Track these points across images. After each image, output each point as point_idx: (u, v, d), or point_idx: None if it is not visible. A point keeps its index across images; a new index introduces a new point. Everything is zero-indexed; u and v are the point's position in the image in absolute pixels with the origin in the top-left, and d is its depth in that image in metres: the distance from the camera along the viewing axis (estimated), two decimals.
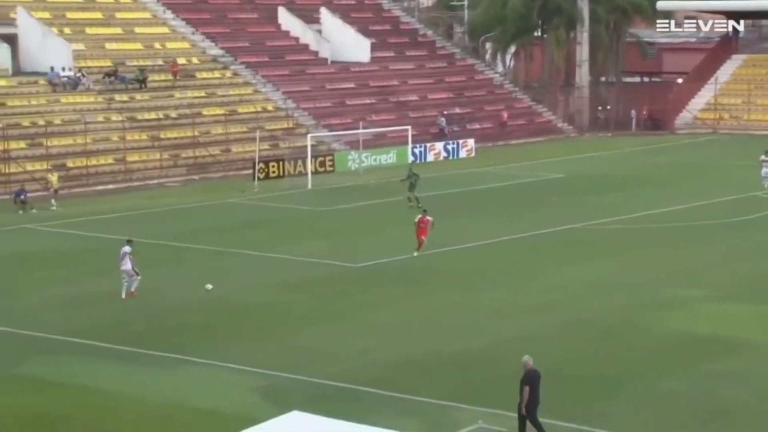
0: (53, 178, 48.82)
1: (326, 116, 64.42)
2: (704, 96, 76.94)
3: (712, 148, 67.20)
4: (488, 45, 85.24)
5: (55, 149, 53.63)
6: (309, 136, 56.36)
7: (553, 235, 40.04)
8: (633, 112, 77.38)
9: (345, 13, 73.90)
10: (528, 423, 19.88)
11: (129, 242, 31.13)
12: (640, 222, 42.20)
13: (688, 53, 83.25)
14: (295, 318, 28.83)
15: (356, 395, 22.89)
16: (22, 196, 46.67)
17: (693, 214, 43.84)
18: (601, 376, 24.12)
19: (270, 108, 63.18)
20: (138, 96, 59.49)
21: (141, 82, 60.00)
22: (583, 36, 77.37)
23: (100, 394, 23.03)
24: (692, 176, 54.69)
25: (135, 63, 61.74)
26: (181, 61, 63.45)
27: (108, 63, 61.12)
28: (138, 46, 63.87)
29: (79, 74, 58.60)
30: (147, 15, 66.63)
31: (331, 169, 56.68)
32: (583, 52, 77.70)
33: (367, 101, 67.51)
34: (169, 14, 67.05)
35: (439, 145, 62.80)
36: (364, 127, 59.53)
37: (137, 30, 65.01)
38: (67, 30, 61.75)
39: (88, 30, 63.21)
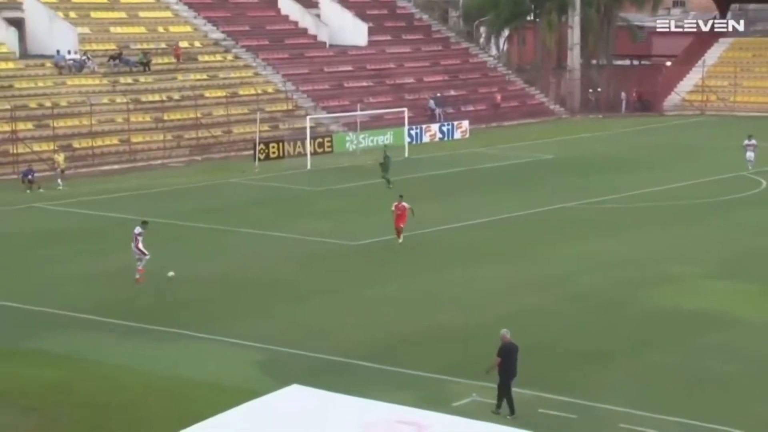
0: (60, 158, 48.54)
1: (325, 98, 64.11)
2: (692, 78, 76.61)
3: (699, 129, 66.94)
4: (482, 29, 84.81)
5: (61, 130, 53.32)
6: (308, 117, 56.05)
7: (547, 213, 39.82)
8: (623, 94, 77.06)
9: None
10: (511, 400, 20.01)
11: (143, 223, 30.47)
12: (632, 201, 41.99)
13: (677, 37, 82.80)
14: (295, 294, 28.63)
15: (355, 369, 22.73)
16: (30, 176, 46.41)
17: (682, 193, 43.63)
18: (594, 350, 23.97)
19: (270, 90, 62.84)
20: (142, 78, 59.14)
21: (145, 65, 59.65)
22: (575, 20, 76.98)
23: (105, 367, 22.91)
24: (681, 156, 54.45)
25: (139, 46, 61.35)
26: (183, 44, 63.06)
27: (112, 46, 60.74)
28: (142, 29, 63.47)
29: (84, 57, 58.22)
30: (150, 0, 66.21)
31: (329, 149, 56.40)
32: (574, 35, 77.31)
33: (365, 84, 67.19)
34: None
35: (435, 127, 62.50)
36: (361, 109, 59.24)
37: (141, 14, 64.59)
38: (72, 14, 61.34)
39: (93, 14, 62.78)
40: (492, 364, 20.01)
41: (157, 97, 58.04)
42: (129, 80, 58.69)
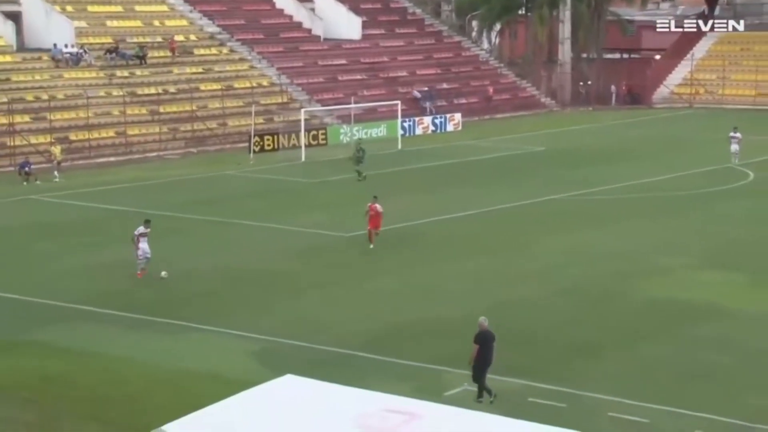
0: (56, 150, 48.44)
1: (319, 91, 64.04)
2: (681, 72, 76.68)
3: (688, 121, 66.99)
4: (474, 23, 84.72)
5: (58, 123, 53.19)
6: (302, 110, 56.01)
7: (538, 205, 39.85)
8: (613, 87, 77.11)
9: None
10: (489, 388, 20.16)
11: (146, 222, 29.59)
12: (621, 192, 42.02)
13: (666, 30, 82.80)
14: (293, 286, 28.62)
15: (349, 360, 22.75)
16: (27, 168, 46.32)
17: (671, 185, 43.68)
18: (584, 340, 24.01)
19: (265, 83, 62.75)
20: (138, 72, 59.01)
21: (141, 59, 59.52)
22: (566, 14, 76.96)
23: (106, 359, 22.91)
24: (670, 149, 54.50)
25: (135, 40, 61.22)
26: (179, 38, 62.92)
27: (109, 40, 60.58)
28: (138, 23, 63.33)
29: (81, 51, 58.07)
30: None
31: (323, 142, 56.35)
32: (565, 29, 77.29)
33: (359, 77, 67.13)
34: None
35: (427, 119, 62.48)
36: (355, 102, 59.18)
37: (137, 8, 64.44)
38: (69, 8, 61.17)
39: (90, 8, 62.62)
40: (472, 353, 20.09)
41: (153, 90, 57.92)
42: (125, 73, 58.57)
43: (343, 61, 68.13)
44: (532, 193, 41.71)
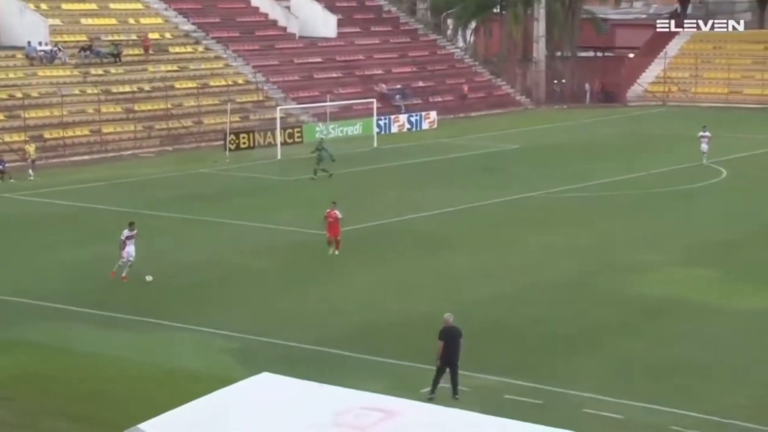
0: (30, 148, 48.06)
1: (294, 89, 63.88)
2: (654, 70, 77.03)
3: (661, 119, 67.30)
4: (450, 21, 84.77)
5: (32, 121, 52.78)
6: (278, 108, 55.83)
7: (514, 202, 39.89)
8: (587, 86, 77.34)
9: None
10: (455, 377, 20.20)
11: (130, 225, 29.02)
12: (596, 190, 42.13)
13: (639, 29, 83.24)
14: (267, 284, 28.50)
15: (326, 357, 22.67)
16: (1, 167, 46.01)
17: (646, 182, 43.84)
18: (561, 337, 24.02)
19: (240, 81, 62.52)
20: (113, 70, 58.64)
21: (115, 57, 59.15)
22: (540, 12, 77.10)
23: (82, 356, 22.78)
24: (644, 146, 54.71)
25: (110, 38, 60.83)
26: (154, 36, 62.58)
27: (83, 38, 60.18)
28: (112, 21, 62.96)
29: (55, 48, 57.65)
30: None
31: (299, 140, 56.18)
32: (539, 27, 77.44)
33: (334, 75, 67.01)
34: None
35: (403, 117, 62.45)
36: (331, 100, 59.07)
37: (112, 6, 64.03)
38: (43, 5, 60.68)
39: (64, 6, 62.16)
40: (438, 350, 20.06)
41: (127, 88, 57.59)
42: (100, 71, 58.19)
43: (319, 59, 68.00)
44: (508, 191, 41.73)
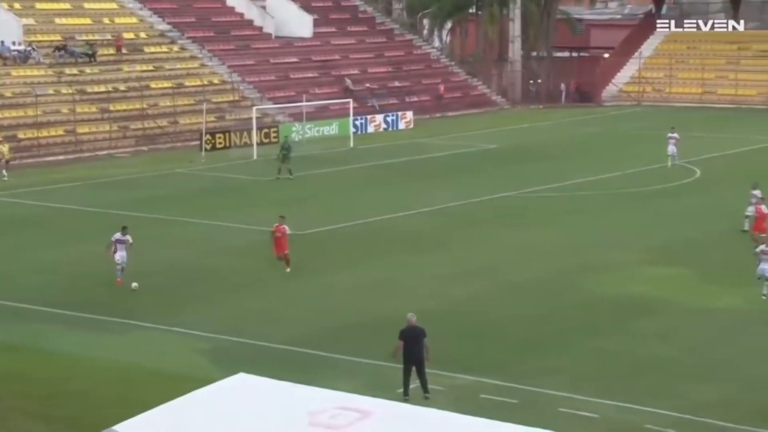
0: (4, 149, 47.70)
1: (270, 89, 63.80)
2: (629, 70, 77.40)
3: (636, 119, 67.63)
4: (425, 21, 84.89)
5: (6, 121, 52.47)
6: (254, 108, 55.76)
7: (490, 202, 40.03)
8: (562, 85, 77.61)
9: None
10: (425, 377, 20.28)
11: (123, 229, 28.39)
12: (571, 190, 42.33)
13: (614, 29, 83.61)
14: (243, 284, 28.48)
15: (302, 357, 22.70)
16: None
17: (620, 182, 44.08)
18: (535, 336, 24.16)
19: (216, 81, 62.39)
20: (87, 69, 58.39)
21: (90, 56, 58.88)
22: (516, 12, 77.35)
23: (55, 357, 22.72)
24: (619, 146, 55.01)
25: (84, 37, 60.54)
26: (128, 35, 62.34)
27: (58, 37, 59.88)
28: (87, 20, 62.67)
29: (29, 48, 57.33)
30: None
31: (275, 140, 56.00)
32: (515, 28, 77.67)
33: (310, 75, 66.97)
34: None
35: (379, 117, 62.51)
36: (307, 100, 59.04)
37: (86, 5, 63.73)
38: (17, 5, 60.33)
39: (38, 5, 61.81)
40: (396, 349, 20.15)
41: (102, 88, 57.36)
42: (74, 71, 57.92)
43: (295, 59, 67.94)
44: (484, 191, 41.86)
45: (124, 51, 60.99)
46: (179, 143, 55.91)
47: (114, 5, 64.99)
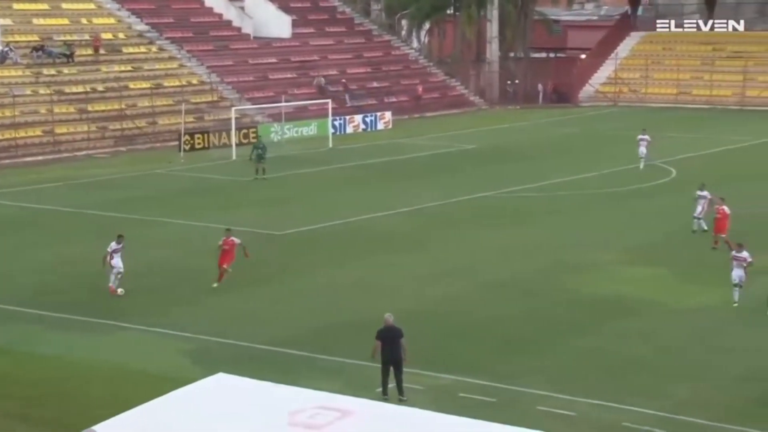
0: None
1: (249, 90, 63.68)
2: (605, 71, 77.72)
3: (613, 119, 67.92)
4: (404, 22, 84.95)
5: None
6: (233, 108, 55.64)
7: (468, 202, 40.10)
8: (540, 86, 77.84)
9: None
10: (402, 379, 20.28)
11: (119, 238, 27.95)
12: (549, 190, 42.47)
13: (591, 30, 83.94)
14: (223, 284, 28.38)
15: (281, 357, 22.70)
16: None
17: (597, 182, 44.26)
18: (514, 335, 24.23)
19: (195, 82, 62.21)
20: (65, 70, 58.09)
21: (68, 57, 58.59)
22: (493, 14, 77.52)
23: (38, 358, 22.65)
24: (595, 146, 55.23)
25: (62, 38, 60.23)
26: (107, 36, 62.08)
27: (35, 38, 59.55)
28: (65, 21, 62.36)
29: (6, 49, 56.97)
30: None
31: (254, 140, 55.86)
32: (493, 28, 77.86)
33: (289, 75, 66.90)
34: None
35: (358, 118, 62.51)
36: (286, 101, 58.96)
37: (64, 6, 63.41)
38: None
39: (16, 5, 61.46)
40: (373, 349, 20.21)
41: (81, 89, 57.09)
42: (52, 72, 57.62)
43: (273, 60, 67.84)
44: (464, 190, 41.93)
45: (102, 51, 60.76)
46: (158, 144, 55.72)
47: (92, 6, 64.69)
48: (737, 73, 73.36)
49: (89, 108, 56.01)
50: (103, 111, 56.59)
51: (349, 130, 61.07)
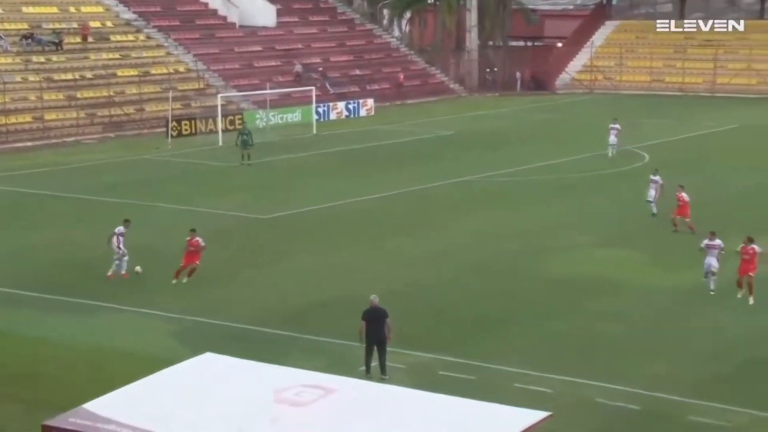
0: None
1: (235, 77, 63.46)
2: (581, 59, 77.83)
3: (588, 106, 68.03)
4: (385, 11, 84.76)
5: None
6: (219, 96, 55.45)
7: (447, 187, 40.14)
8: (518, 74, 77.89)
9: None
10: (382, 358, 20.32)
11: (125, 222, 27.89)
12: (526, 174, 42.56)
13: (567, 19, 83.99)
14: (209, 266, 28.29)
15: (267, 337, 22.71)
16: None
17: (573, 167, 44.37)
18: (493, 316, 24.33)
19: (182, 69, 61.94)
20: (54, 57, 57.72)
21: (57, 45, 58.22)
22: (472, 3, 77.39)
23: (24, 339, 22.53)
24: (572, 132, 55.32)
25: (51, 26, 59.83)
26: (95, 24, 61.69)
27: (25, 26, 59.11)
28: (54, 9, 61.93)
29: None
30: None
31: (240, 126, 55.73)
32: (472, 18, 77.78)
33: (274, 63, 66.69)
34: None
35: (341, 105, 62.41)
36: (270, 88, 58.78)
37: None
38: None
39: None
40: (359, 328, 20.25)
41: (69, 76, 56.75)
42: (42, 59, 57.26)
43: (259, 48, 67.61)
44: (443, 175, 41.97)
45: (90, 40, 60.41)
46: (146, 130, 55.50)
47: None
48: (708, 61, 73.59)
49: (78, 95, 55.72)
50: (91, 98, 56.30)
51: (333, 116, 60.98)
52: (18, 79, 55.04)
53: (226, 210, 35.52)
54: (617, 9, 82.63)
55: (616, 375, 20.44)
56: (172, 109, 53.89)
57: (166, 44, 63.50)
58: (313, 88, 58.43)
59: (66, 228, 30.84)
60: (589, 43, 77.75)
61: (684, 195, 32.14)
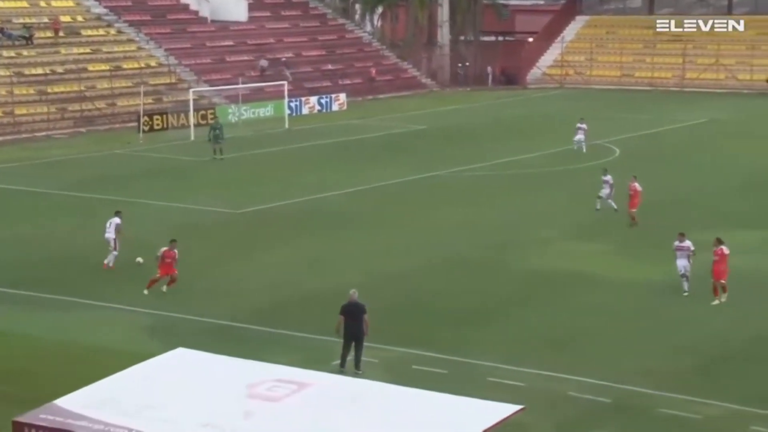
0: None
1: (207, 72, 63.11)
2: (552, 54, 78.01)
3: (559, 101, 68.18)
4: (357, 6, 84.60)
5: None
6: (191, 90, 55.11)
7: (420, 181, 40.10)
8: (489, 69, 77.98)
9: None
10: (360, 352, 20.33)
11: (117, 213, 28.13)
12: (498, 169, 42.59)
13: (538, 14, 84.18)
14: (181, 262, 28.06)
15: (240, 332, 22.59)
16: None
17: (544, 161, 44.46)
18: (467, 310, 24.30)
19: (153, 64, 61.50)
20: (25, 52, 57.15)
21: (27, 39, 57.63)
22: None
23: None
24: (542, 127, 55.43)
25: (21, 20, 59.22)
26: (65, 19, 61.13)
27: None
28: (24, 4, 61.32)
29: None
30: None
31: (212, 121, 55.40)
32: (444, 12, 77.78)
33: (245, 58, 66.38)
34: None
35: (314, 99, 62.23)
36: (242, 83, 58.51)
37: None
38: None
39: None
40: (337, 324, 20.18)
41: (40, 71, 56.21)
42: (12, 54, 56.66)
43: (230, 43, 67.27)
44: (416, 170, 41.92)
45: (61, 34, 59.85)
46: (117, 125, 55.07)
47: None
48: (677, 56, 73.99)
49: (49, 90, 55.21)
50: (62, 92, 55.81)
51: (305, 111, 60.78)
52: None
53: (198, 205, 35.29)
54: (588, 4, 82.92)
55: (588, 368, 20.47)
56: (144, 104, 53.51)
57: (137, 39, 63.05)
58: (285, 82, 58.20)
59: (37, 223, 30.49)
60: (559, 38, 77.94)
61: (636, 185, 32.28)
